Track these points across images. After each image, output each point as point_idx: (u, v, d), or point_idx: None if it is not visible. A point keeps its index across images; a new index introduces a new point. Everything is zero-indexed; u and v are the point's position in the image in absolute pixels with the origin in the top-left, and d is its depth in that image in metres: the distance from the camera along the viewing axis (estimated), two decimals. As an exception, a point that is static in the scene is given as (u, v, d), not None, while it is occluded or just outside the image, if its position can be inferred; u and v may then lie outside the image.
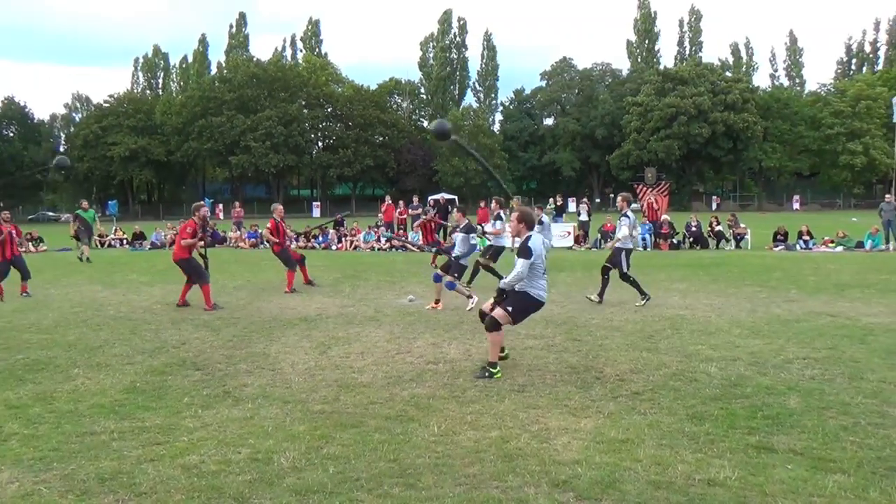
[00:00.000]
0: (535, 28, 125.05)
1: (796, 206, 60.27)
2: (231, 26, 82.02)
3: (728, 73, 69.96)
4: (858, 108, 62.23)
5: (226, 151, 67.17)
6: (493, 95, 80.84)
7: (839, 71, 77.87)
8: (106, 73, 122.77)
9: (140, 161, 67.67)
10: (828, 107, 64.07)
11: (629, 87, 70.78)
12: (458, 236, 10.21)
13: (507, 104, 79.43)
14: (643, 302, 10.03)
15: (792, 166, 67.09)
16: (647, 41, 77.64)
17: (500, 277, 7.44)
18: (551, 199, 29.93)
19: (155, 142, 68.14)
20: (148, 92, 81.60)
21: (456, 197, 52.45)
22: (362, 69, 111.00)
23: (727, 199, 67.21)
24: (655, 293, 11.15)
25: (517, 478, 3.85)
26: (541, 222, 16.74)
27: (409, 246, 20.39)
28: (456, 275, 9.81)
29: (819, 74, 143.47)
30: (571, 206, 35.07)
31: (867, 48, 77.05)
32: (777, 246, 20.92)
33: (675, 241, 21.87)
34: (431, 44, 79.37)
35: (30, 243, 19.50)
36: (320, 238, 23.87)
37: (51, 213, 68.58)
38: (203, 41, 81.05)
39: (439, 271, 10.14)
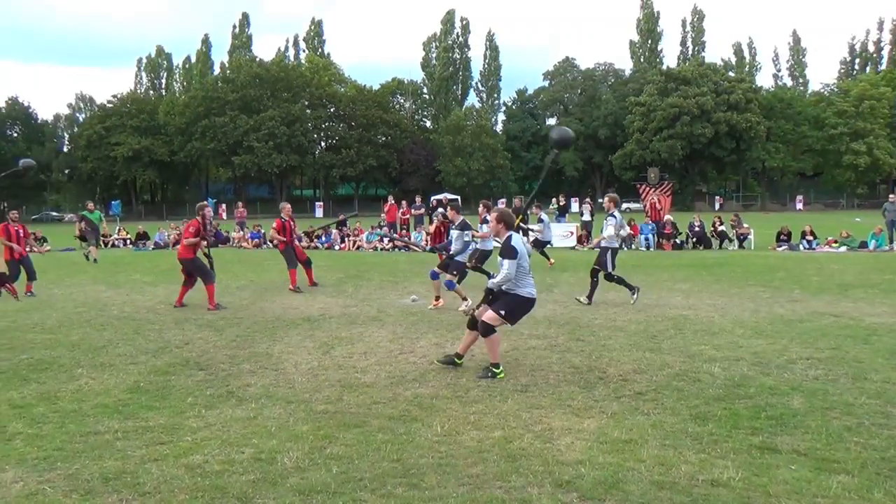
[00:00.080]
0: (537, 28, 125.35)
1: (800, 206, 60.12)
2: (234, 27, 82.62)
3: (731, 73, 69.91)
4: (862, 108, 62.09)
5: (229, 151, 67.31)
6: (495, 95, 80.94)
7: (842, 71, 77.72)
8: (109, 74, 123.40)
9: (143, 161, 67.90)
10: (831, 107, 63.97)
11: (632, 87, 70.86)
12: (454, 233, 10.10)
13: (509, 104, 79.64)
14: (635, 297, 10.02)
15: (795, 166, 67.01)
16: (649, 41, 77.63)
17: (489, 275, 7.42)
18: (554, 199, 29.96)
19: (158, 142, 68.32)
20: (151, 92, 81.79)
21: (458, 197, 52.56)
22: (365, 69, 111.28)
23: (730, 200, 67.21)
24: (658, 293, 11.15)
25: (520, 478, 3.85)
26: (541, 220, 16.83)
27: (412, 246, 20.37)
28: (455, 273, 9.76)
29: (822, 74, 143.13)
30: (574, 207, 35.08)
31: (871, 48, 76.92)
32: (780, 246, 20.87)
33: (678, 241, 21.82)
34: (434, 44, 79.44)
35: (35, 244, 19.48)
36: (323, 238, 23.90)
37: (54, 213, 68.83)
38: (206, 41, 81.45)
39: (437, 269, 10.11)
